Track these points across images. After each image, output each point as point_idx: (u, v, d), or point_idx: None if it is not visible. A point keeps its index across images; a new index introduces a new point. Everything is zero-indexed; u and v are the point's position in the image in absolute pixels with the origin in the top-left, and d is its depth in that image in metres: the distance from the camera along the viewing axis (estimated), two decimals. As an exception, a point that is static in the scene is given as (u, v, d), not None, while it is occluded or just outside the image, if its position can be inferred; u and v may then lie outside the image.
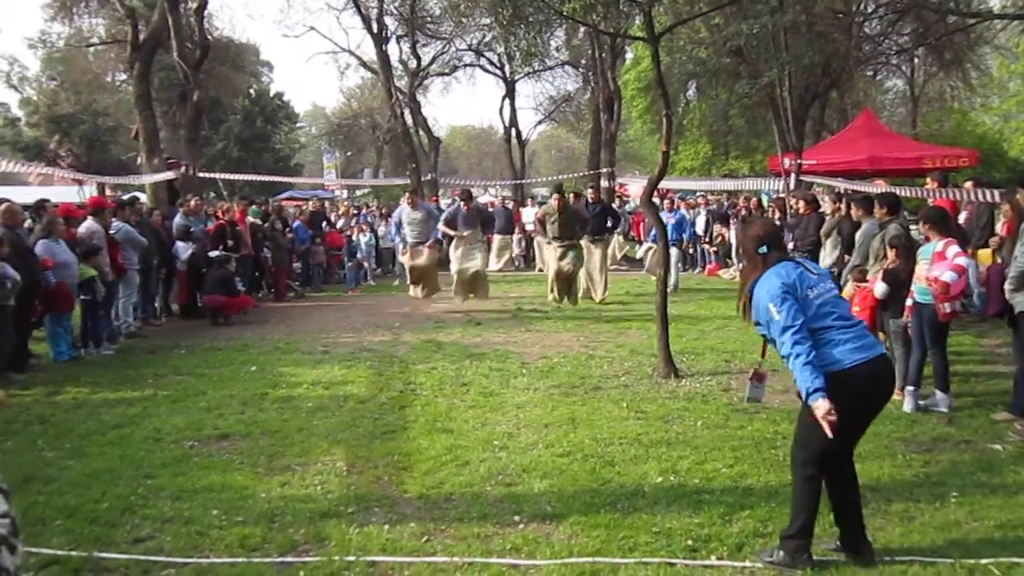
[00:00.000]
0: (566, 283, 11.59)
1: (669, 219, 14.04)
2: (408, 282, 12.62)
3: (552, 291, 11.79)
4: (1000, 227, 8.78)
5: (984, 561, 3.64)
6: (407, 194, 12.60)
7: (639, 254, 15.28)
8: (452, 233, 12.03)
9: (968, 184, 10.20)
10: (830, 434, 3.39)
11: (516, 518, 4.28)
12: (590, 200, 12.82)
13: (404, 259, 12.52)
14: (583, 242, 11.97)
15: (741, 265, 3.99)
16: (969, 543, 3.87)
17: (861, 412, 3.65)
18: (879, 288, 6.71)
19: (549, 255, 11.82)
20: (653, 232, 13.93)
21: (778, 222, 11.58)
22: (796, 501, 3.70)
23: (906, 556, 3.71)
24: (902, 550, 3.79)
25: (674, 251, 13.50)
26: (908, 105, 31.55)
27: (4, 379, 7.64)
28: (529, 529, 4.14)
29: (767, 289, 3.63)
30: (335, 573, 3.66)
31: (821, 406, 3.39)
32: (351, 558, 3.80)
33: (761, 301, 3.65)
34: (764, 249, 3.77)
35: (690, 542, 3.92)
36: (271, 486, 4.82)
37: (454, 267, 11.92)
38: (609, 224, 12.69)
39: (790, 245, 10.38)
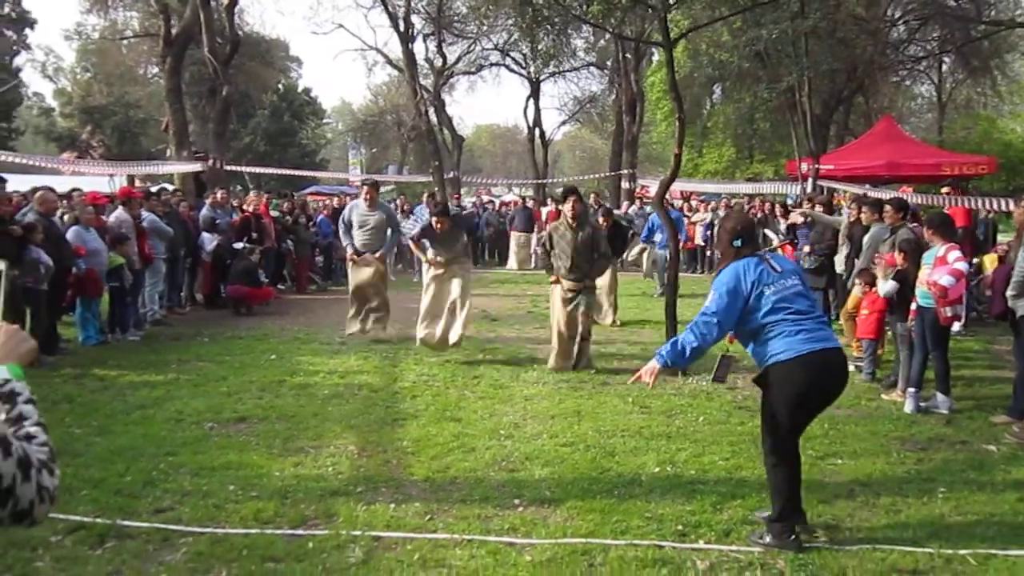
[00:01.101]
0: (572, 341, 7.95)
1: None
2: (349, 311, 9.40)
3: (556, 354, 7.98)
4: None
5: (962, 552, 3.79)
6: (365, 188, 9.48)
7: (631, 256, 15.18)
8: (423, 257, 8.73)
9: (945, 190, 10.29)
10: (644, 381, 3.96)
11: (516, 501, 4.47)
12: (601, 222, 9.82)
13: (350, 272, 9.39)
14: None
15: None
16: (951, 535, 4.01)
17: (810, 399, 3.92)
18: (888, 286, 6.81)
19: (555, 299, 8.11)
20: (645, 234, 14.05)
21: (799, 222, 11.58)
22: (772, 488, 3.96)
23: (888, 545, 3.87)
24: (885, 539, 3.94)
25: (666, 253, 13.17)
26: (936, 111, 31.42)
27: (35, 360, 7.94)
28: (528, 511, 4.34)
29: (721, 278, 3.98)
30: (342, 545, 3.88)
31: (651, 368, 4.00)
32: (357, 532, 4.01)
33: (719, 280, 3.98)
34: (739, 243, 4.05)
35: (680, 527, 4.09)
36: (285, 466, 5.05)
37: (425, 301, 8.44)
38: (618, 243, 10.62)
39: (806, 248, 10.48)
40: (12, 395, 1.44)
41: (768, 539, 3.87)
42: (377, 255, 9.13)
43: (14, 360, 1.46)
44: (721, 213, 17.84)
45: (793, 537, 3.83)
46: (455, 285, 8.44)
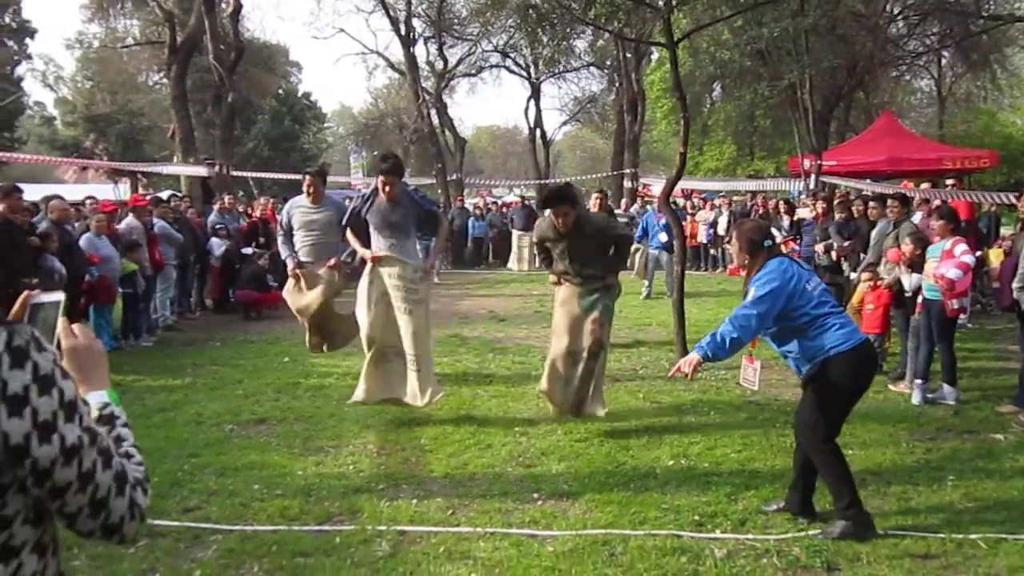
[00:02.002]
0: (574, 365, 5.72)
1: (659, 218, 13.14)
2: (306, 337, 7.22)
3: (549, 387, 5.79)
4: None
5: (973, 536, 3.89)
6: (307, 178, 7.02)
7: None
8: (361, 250, 6.16)
9: (924, 186, 10.38)
10: (683, 372, 3.95)
11: (535, 495, 4.58)
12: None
13: (288, 296, 7.08)
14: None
15: (738, 259, 4.32)
16: (961, 521, 4.12)
17: (861, 386, 4.07)
18: (913, 279, 6.89)
19: (557, 306, 5.96)
20: (639, 234, 14.09)
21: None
22: (832, 477, 3.99)
23: (900, 531, 3.97)
24: (897, 526, 4.05)
25: (663, 255, 12.98)
26: (936, 106, 31.49)
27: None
28: (547, 505, 4.44)
29: (763, 275, 3.99)
30: (368, 540, 3.98)
31: (691, 360, 3.96)
32: (382, 527, 4.12)
33: (764, 279, 3.98)
34: (769, 243, 4.13)
35: (697, 517, 4.20)
36: (307, 465, 5.16)
37: (363, 320, 6.02)
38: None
39: (820, 247, 10.54)
40: (112, 418, 1.53)
41: (841, 528, 3.92)
42: (330, 264, 6.71)
43: (108, 384, 1.56)
44: (724, 211, 17.97)
45: (870, 519, 3.94)
46: (404, 323, 5.85)
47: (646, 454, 5.29)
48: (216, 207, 13.47)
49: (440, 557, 3.80)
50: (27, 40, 39.54)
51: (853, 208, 9.91)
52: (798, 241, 11.45)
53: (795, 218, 12.34)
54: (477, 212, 20.99)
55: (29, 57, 40.28)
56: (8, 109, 35.71)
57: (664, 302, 11.86)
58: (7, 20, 38.01)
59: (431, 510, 4.38)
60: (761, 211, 16.05)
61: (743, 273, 4.31)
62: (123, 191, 21.54)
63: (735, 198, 20.95)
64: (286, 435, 5.84)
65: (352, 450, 5.48)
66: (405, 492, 4.66)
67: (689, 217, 17.98)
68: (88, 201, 11.59)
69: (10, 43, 38.36)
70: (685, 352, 7.84)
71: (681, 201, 20.02)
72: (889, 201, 8.03)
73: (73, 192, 14.51)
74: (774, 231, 12.50)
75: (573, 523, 4.17)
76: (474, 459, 5.25)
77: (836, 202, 10.74)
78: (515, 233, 19.21)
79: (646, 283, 13.42)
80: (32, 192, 13.13)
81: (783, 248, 10.90)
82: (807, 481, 4.18)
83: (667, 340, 8.86)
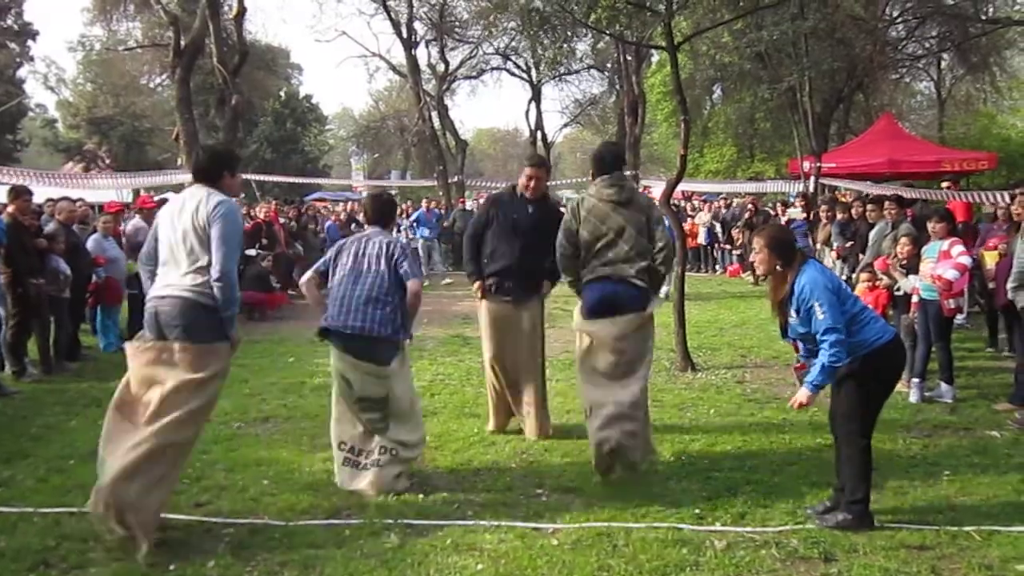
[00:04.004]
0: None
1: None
2: None
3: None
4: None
5: (967, 528, 3.99)
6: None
7: None
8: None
9: (944, 185, 10.48)
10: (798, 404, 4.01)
11: (539, 490, 4.68)
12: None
13: None
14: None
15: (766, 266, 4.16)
16: (956, 513, 4.22)
17: (896, 376, 4.25)
18: (911, 281, 6.98)
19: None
20: None
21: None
22: (857, 470, 4.06)
23: (896, 524, 4.07)
24: (893, 519, 4.14)
25: None
26: (935, 108, 31.57)
27: (60, 367, 8.18)
28: (551, 499, 4.54)
29: (814, 286, 3.95)
30: (376, 532, 4.08)
31: (809, 397, 3.98)
32: (390, 521, 4.21)
33: (807, 297, 3.96)
34: (797, 244, 4.25)
35: (697, 511, 4.30)
36: (314, 461, 5.26)
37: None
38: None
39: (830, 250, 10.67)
40: None
41: (841, 519, 4.03)
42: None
43: None
44: (724, 211, 18.05)
45: (871, 518, 4.05)
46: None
47: (647, 451, 5.38)
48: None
49: (447, 549, 3.89)
50: (29, 42, 39.69)
51: (852, 210, 10.03)
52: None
53: (786, 219, 12.44)
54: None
55: (31, 59, 40.44)
56: (10, 112, 35.84)
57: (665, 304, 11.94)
58: (9, 22, 38.15)
59: (437, 504, 4.48)
60: (752, 214, 16.12)
61: (766, 281, 4.19)
62: (127, 193, 21.66)
63: (735, 201, 21.02)
64: (293, 433, 5.94)
65: (358, 447, 5.57)
66: (412, 487, 4.75)
67: (689, 219, 18.09)
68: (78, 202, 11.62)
69: (12, 45, 38.49)
70: (685, 351, 7.98)
71: (681, 203, 20.11)
72: (886, 203, 8.13)
73: (77, 194, 14.59)
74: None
75: (576, 516, 4.26)
76: (478, 455, 5.35)
77: (823, 204, 10.85)
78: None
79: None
80: (38, 195, 13.28)
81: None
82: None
83: (668, 340, 8.94)
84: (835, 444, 4.27)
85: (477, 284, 5.73)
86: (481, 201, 25.22)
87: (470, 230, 5.94)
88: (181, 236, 4.10)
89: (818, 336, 3.93)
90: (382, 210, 5.07)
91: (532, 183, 5.62)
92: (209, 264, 4.04)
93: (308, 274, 5.02)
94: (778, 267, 4.09)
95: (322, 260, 5.05)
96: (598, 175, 5.09)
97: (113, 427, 4.08)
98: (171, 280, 4.13)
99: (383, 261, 4.69)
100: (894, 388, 4.26)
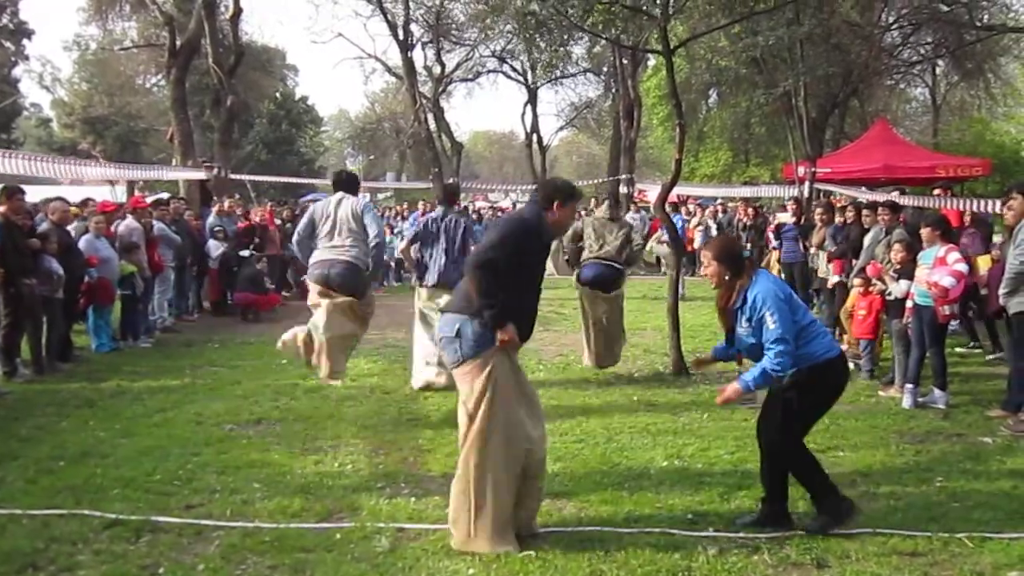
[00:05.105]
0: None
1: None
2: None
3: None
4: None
5: (959, 534, 3.99)
6: None
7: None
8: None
9: (936, 191, 10.52)
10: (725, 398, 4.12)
11: (531, 494, 4.65)
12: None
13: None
14: None
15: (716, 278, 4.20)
16: (948, 520, 4.21)
17: (837, 393, 4.16)
18: (902, 286, 6.98)
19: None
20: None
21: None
22: (807, 475, 4.08)
23: (888, 530, 4.06)
24: (886, 525, 4.13)
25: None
26: (930, 114, 31.66)
27: (52, 367, 8.15)
28: (544, 503, 4.51)
29: (764, 295, 3.96)
30: (368, 536, 4.06)
31: (737, 392, 4.07)
32: (382, 524, 4.19)
33: (759, 306, 3.97)
34: (746, 254, 4.21)
35: (690, 516, 4.29)
36: (306, 464, 5.24)
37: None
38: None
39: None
40: None
41: (821, 522, 4.02)
42: None
43: None
44: (721, 216, 18.09)
45: (847, 506, 4.03)
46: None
47: (640, 455, 5.38)
48: (215, 209, 13.53)
49: (439, 553, 3.88)
50: (24, 41, 39.57)
51: (843, 215, 10.03)
52: (780, 247, 11.57)
53: (776, 223, 12.44)
54: (474, 216, 21.02)
55: (26, 58, 40.31)
56: (5, 111, 35.72)
57: (659, 306, 11.94)
58: (4, 21, 38.02)
59: (429, 508, 4.46)
60: (745, 220, 16.15)
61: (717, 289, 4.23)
62: (120, 193, 21.58)
63: (730, 205, 21.04)
64: (285, 435, 5.91)
65: (351, 450, 5.56)
66: (403, 491, 4.74)
67: (684, 223, 18.09)
68: (89, 202, 11.61)
69: (7, 44, 38.37)
70: (679, 356, 7.97)
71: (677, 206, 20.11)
72: (880, 208, 8.15)
73: (70, 194, 14.51)
74: (770, 235, 12.61)
75: (569, 520, 4.25)
76: (471, 459, 5.32)
77: (817, 208, 10.84)
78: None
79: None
80: (30, 194, 13.22)
81: (774, 255, 11.05)
82: (781, 491, 4.19)
83: (662, 344, 8.95)
84: (759, 451, 4.27)
85: None
86: (477, 204, 25.30)
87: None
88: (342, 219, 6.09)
89: (766, 344, 3.94)
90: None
91: None
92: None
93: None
94: (727, 277, 4.12)
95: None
96: None
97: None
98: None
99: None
100: (830, 406, 4.18)
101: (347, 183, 6.44)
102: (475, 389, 3.97)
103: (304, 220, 6.41)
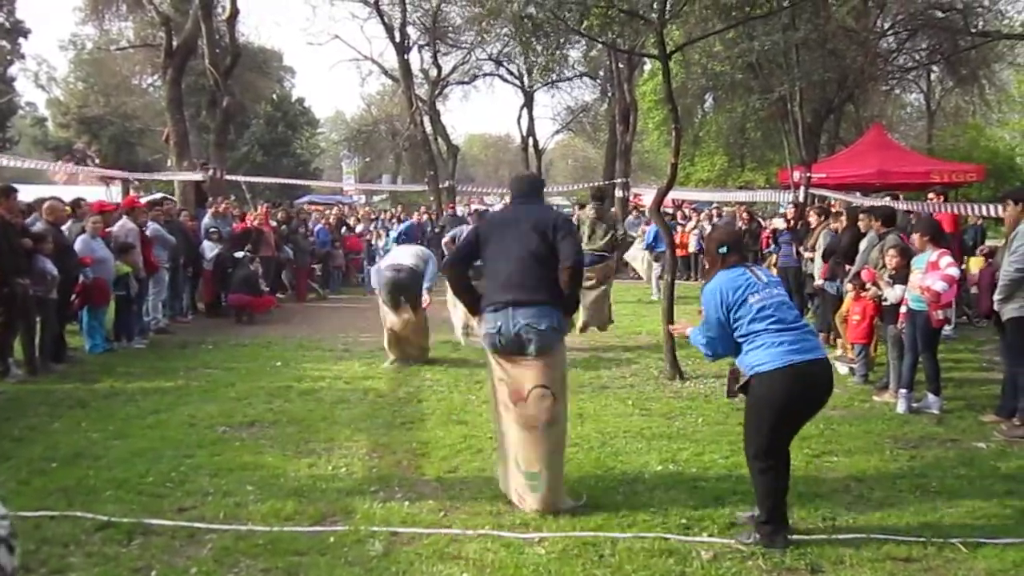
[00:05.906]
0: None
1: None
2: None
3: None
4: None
5: (953, 540, 3.99)
6: None
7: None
8: None
9: (931, 196, 10.61)
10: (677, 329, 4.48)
11: (526, 498, 4.64)
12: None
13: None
14: None
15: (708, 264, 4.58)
16: (942, 525, 4.22)
17: (791, 411, 4.01)
18: (896, 291, 6.99)
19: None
20: (646, 243, 14.60)
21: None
22: (759, 492, 4.05)
23: (882, 536, 4.06)
24: (880, 531, 4.14)
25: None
26: (925, 120, 31.79)
27: (45, 368, 8.11)
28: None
29: (706, 293, 4.22)
30: (361, 540, 4.05)
31: (686, 327, 4.59)
32: (375, 528, 4.18)
33: (705, 297, 4.22)
34: (724, 250, 4.24)
35: (684, 521, 4.28)
36: (300, 467, 5.22)
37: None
38: None
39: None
40: None
41: (756, 538, 3.98)
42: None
43: None
44: (716, 220, 18.11)
45: (782, 536, 3.95)
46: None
47: (635, 459, 5.37)
48: (210, 210, 13.50)
49: (432, 557, 3.86)
50: (20, 40, 39.44)
51: (836, 222, 10.04)
52: (776, 252, 11.58)
53: (771, 228, 12.46)
54: (470, 219, 21.00)
55: (22, 57, 40.19)
56: (1, 109, 35.62)
57: (654, 310, 11.95)
58: (1, 20, 37.92)
59: (423, 512, 4.45)
60: (741, 224, 16.16)
61: None
62: (115, 193, 21.56)
63: (725, 209, 21.07)
64: (279, 437, 5.89)
65: (344, 453, 5.54)
66: (397, 494, 4.72)
67: (679, 227, 18.14)
68: (82, 202, 11.58)
69: (3, 43, 38.26)
70: (674, 360, 7.97)
71: (670, 211, 20.15)
72: (873, 215, 8.14)
73: (64, 194, 14.48)
74: (768, 241, 12.59)
75: (563, 526, 4.24)
76: (465, 463, 5.32)
77: (812, 212, 10.87)
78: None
79: (655, 287, 14.49)
80: (24, 193, 13.18)
81: (772, 260, 11.02)
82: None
83: (656, 348, 8.95)
84: None
85: None
86: (473, 207, 25.26)
87: None
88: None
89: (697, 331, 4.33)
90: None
91: None
92: None
93: None
94: (706, 267, 4.55)
95: None
96: None
97: None
98: None
99: None
100: (788, 419, 4.00)
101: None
102: (563, 372, 4.56)
103: None
